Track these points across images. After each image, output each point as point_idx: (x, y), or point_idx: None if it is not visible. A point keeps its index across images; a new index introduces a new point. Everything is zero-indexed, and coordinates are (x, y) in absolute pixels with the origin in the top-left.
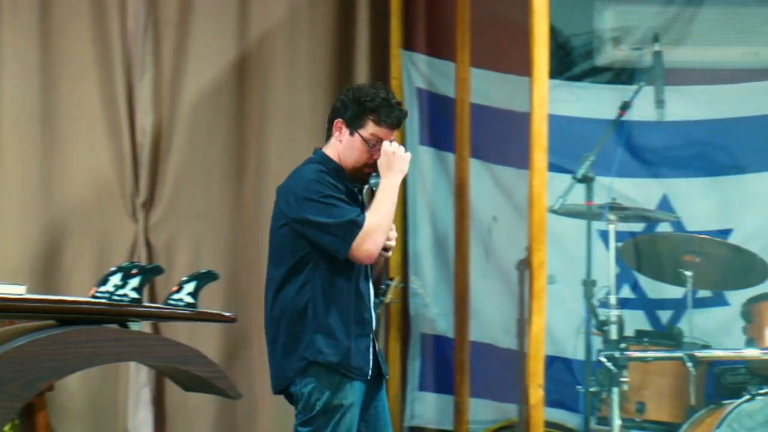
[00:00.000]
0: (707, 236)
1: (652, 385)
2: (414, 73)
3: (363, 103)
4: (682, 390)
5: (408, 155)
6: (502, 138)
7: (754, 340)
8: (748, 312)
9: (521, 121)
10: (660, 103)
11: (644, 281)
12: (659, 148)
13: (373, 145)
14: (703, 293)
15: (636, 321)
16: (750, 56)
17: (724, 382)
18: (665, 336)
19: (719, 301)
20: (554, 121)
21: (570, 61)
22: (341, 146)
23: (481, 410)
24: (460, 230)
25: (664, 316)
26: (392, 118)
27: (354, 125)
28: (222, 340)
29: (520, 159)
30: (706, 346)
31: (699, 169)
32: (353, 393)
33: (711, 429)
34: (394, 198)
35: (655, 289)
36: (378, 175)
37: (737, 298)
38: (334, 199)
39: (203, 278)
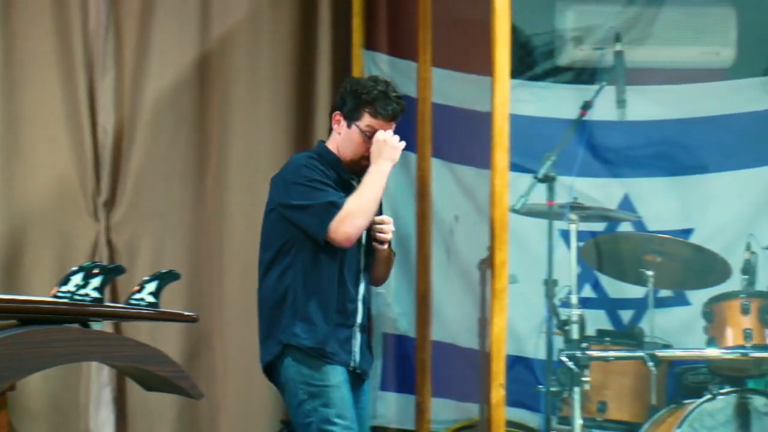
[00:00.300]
0: (668, 236)
1: (613, 384)
2: (375, 73)
3: (360, 96)
4: (643, 389)
5: (401, 144)
6: (464, 138)
7: (715, 339)
8: (709, 311)
9: (483, 121)
10: (621, 102)
11: (605, 281)
12: (620, 148)
13: (370, 137)
14: (664, 293)
15: (597, 321)
16: (710, 56)
17: (685, 382)
18: (626, 335)
19: (680, 300)
20: (516, 120)
21: (531, 61)
22: (340, 138)
23: (443, 410)
24: (422, 230)
25: (626, 315)
26: (388, 110)
27: (351, 117)
28: (184, 340)
29: (482, 159)
30: (667, 346)
31: (660, 169)
32: (336, 374)
33: (672, 428)
34: (379, 184)
35: (616, 288)
36: None
37: (698, 297)
38: (319, 183)
39: (165, 278)
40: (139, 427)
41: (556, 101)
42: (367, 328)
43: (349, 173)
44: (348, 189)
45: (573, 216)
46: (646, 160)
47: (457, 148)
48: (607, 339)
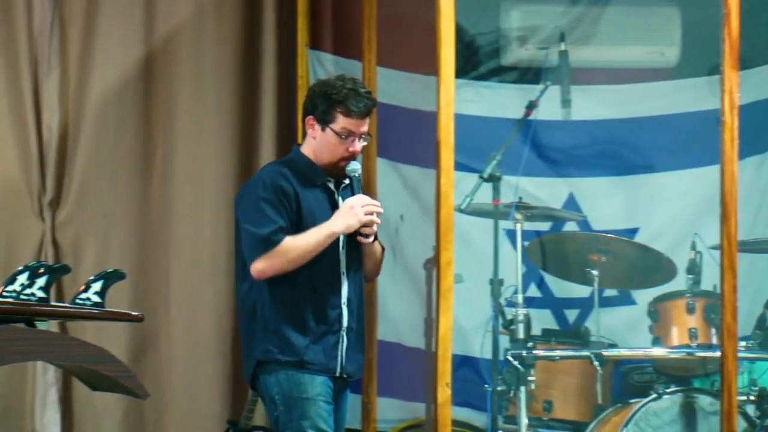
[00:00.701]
0: (613, 235)
1: (559, 384)
2: (321, 73)
3: (330, 97)
4: (589, 389)
5: (366, 218)
6: (409, 137)
7: (661, 338)
8: (655, 311)
9: (428, 121)
10: (566, 102)
11: (551, 280)
12: (565, 148)
13: (346, 138)
14: (609, 292)
15: (543, 320)
16: (655, 55)
17: (631, 381)
18: (572, 335)
19: (626, 300)
20: (461, 120)
21: (476, 61)
22: (315, 143)
23: (389, 409)
24: None
25: (571, 315)
26: (360, 107)
27: (324, 120)
28: (129, 340)
29: (427, 158)
30: (613, 345)
31: (605, 169)
32: (314, 386)
33: (618, 428)
34: (318, 242)
35: (562, 288)
36: (354, 162)
37: (644, 297)
38: (269, 206)
39: (110, 277)
40: (84, 427)
41: (501, 101)
42: (359, 329)
43: (324, 176)
44: (324, 192)
45: (518, 215)
46: (591, 160)
47: (403, 148)
48: (553, 338)
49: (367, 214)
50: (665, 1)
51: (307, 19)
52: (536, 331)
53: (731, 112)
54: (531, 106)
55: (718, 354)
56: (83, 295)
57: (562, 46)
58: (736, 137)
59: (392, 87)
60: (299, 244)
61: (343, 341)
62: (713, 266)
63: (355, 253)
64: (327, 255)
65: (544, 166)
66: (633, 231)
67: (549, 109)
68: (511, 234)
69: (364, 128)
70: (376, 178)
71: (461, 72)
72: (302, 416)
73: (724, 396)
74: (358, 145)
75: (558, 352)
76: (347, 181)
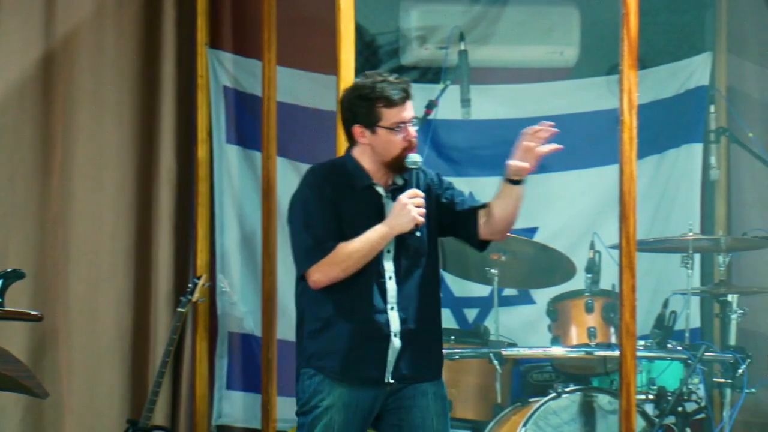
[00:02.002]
0: (513, 235)
1: (458, 383)
2: (220, 72)
3: (366, 97)
4: (488, 388)
5: (416, 217)
6: (309, 136)
7: (560, 338)
8: (554, 310)
9: (328, 120)
10: (465, 102)
11: (451, 279)
12: (465, 147)
13: (399, 129)
14: (509, 291)
15: (443, 319)
16: (554, 55)
17: (530, 380)
18: (471, 334)
19: (525, 299)
20: None
21: (376, 60)
22: (370, 149)
23: (289, 409)
24: (267, 229)
25: (471, 314)
26: (399, 93)
27: (371, 123)
28: (29, 339)
29: (327, 157)
30: (512, 345)
31: (505, 168)
32: (333, 396)
33: (517, 427)
34: (371, 246)
35: (461, 287)
36: (413, 154)
37: (543, 296)
38: (317, 209)
39: (9, 277)
40: None
41: None
42: (423, 331)
43: (370, 179)
44: (369, 196)
45: None
46: (490, 159)
47: (303, 147)
48: (452, 338)
49: (420, 212)
50: (564, 1)
51: (207, 18)
52: None
53: (630, 112)
54: (431, 105)
55: (617, 353)
56: None
57: (462, 46)
58: (634, 137)
59: (293, 86)
60: (354, 250)
61: (393, 347)
62: (612, 265)
63: (409, 253)
64: (371, 263)
65: (444, 166)
66: (532, 230)
67: (449, 109)
68: None
69: (410, 113)
70: (277, 178)
71: (361, 71)
72: (314, 426)
73: (623, 395)
74: (413, 130)
75: (457, 351)
76: (400, 182)
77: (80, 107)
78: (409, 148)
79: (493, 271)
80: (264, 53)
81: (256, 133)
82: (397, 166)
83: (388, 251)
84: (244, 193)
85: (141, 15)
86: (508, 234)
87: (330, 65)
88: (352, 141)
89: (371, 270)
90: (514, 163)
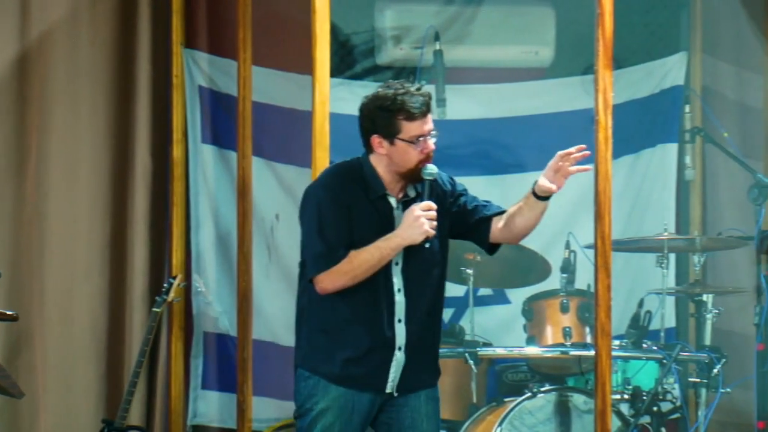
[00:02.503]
0: None
1: None
2: (196, 72)
3: (387, 109)
4: (463, 388)
5: (427, 230)
6: (285, 136)
7: (535, 337)
8: (529, 310)
9: (303, 120)
10: (441, 101)
11: None
12: (440, 147)
13: (417, 142)
14: (484, 291)
15: None
16: (529, 55)
17: (505, 380)
18: (447, 334)
19: (500, 299)
20: (336, 119)
21: (352, 60)
22: (387, 159)
23: (264, 408)
24: (243, 228)
25: (446, 314)
26: (420, 107)
27: (390, 134)
28: (4, 339)
29: (303, 157)
30: (487, 344)
31: (480, 168)
32: (328, 398)
33: (493, 426)
34: (381, 256)
35: None
36: (430, 165)
37: (518, 296)
38: (331, 213)
39: None
40: None
41: None
42: (424, 345)
43: (384, 188)
44: (381, 205)
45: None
46: (465, 159)
47: (278, 147)
48: None
49: (432, 225)
50: (539, 1)
51: (182, 17)
52: None
53: (605, 112)
54: None
55: (592, 353)
56: None
57: (437, 46)
58: (610, 137)
59: (268, 86)
60: (363, 260)
61: (396, 359)
62: (587, 265)
63: (418, 265)
64: (378, 278)
65: None
66: None
67: None
68: None
69: (430, 125)
70: (252, 178)
71: (336, 71)
72: (309, 429)
73: (598, 395)
74: (431, 143)
75: None
76: (412, 194)
77: (55, 107)
78: (425, 160)
79: (468, 271)
80: (239, 53)
81: (231, 132)
82: (413, 177)
83: (396, 263)
84: (220, 193)
85: (116, 15)
86: None
87: (305, 65)
88: (369, 149)
89: (379, 281)
90: (544, 183)
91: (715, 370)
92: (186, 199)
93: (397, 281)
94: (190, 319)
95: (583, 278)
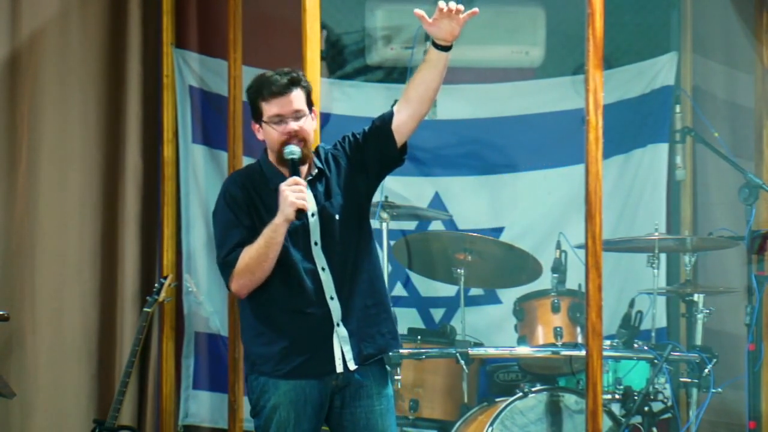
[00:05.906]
0: (479, 234)
1: (425, 382)
2: (186, 72)
3: (249, 94)
4: (455, 388)
5: (295, 200)
6: None
7: (526, 337)
8: (520, 310)
9: None
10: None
11: (417, 279)
12: (431, 147)
13: (278, 123)
14: (475, 291)
15: (409, 319)
16: (520, 55)
17: (496, 380)
18: (438, 334)
19: (492, 299)
20: (326, 119)
21: (342, 60)
22: (267, 143)
23: None
24: None
25: (437, 314)
26: (273, 87)
27: (257, 118)
28: None
29: None
30: (478, 344)
31: (470, 168)
32: (278, 394)
33: (484, 426)
34: (265, 240)
35: (427, 287)
36: (290, 145)
37: (509, 296)
38: (224, 220)
39: None
40: None
41: (367, 100)
42: (366, 313)
43: (278, 175)
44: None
45: (384, 214)
46: (456, 159)
47: None
48: (419, 337)
49: (298, 197)
50: (530, 1)
51: (172, 17)
52: (402, 330)
53: (596, 112)
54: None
55: (583, 353)
56: None
57: (427, 46)
58: (600, 136)
59: None
60: (253, 251)
61: (339, 337)
62: (578, 265)
63: (335, 239)
64: (293, 255)
65: (410, 166)
66: (498, 230)
67: None
68: (377, 233)
69: (292, 106)
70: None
71: (328, 71)
72: (265, 426)
73: (590, 395)
74: (293, 124)
75: (424, 351)
76: (315, 173)
77: (45, 107)
78: (285, 142)
79: (459, 270)
80: (230, 53)
81: (222, 132)
82: (281, 159)
83: (316, 243)
84: (211, 193)
85: (106, 15)
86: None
87: (296, 65)
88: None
89: (299, 265)
90: (440, 31)
91: (706, 370)
92: (177, 199)
93: (319, 260)
94: (181, 319)
95: (574, 278)
